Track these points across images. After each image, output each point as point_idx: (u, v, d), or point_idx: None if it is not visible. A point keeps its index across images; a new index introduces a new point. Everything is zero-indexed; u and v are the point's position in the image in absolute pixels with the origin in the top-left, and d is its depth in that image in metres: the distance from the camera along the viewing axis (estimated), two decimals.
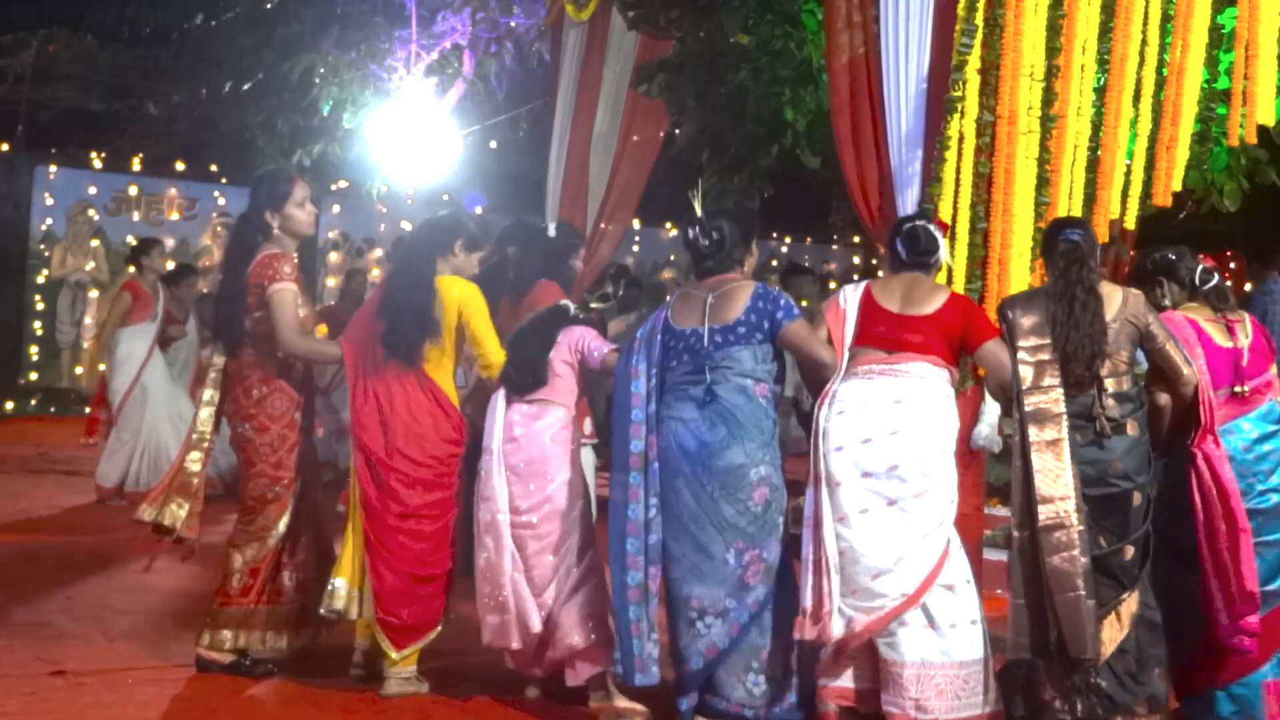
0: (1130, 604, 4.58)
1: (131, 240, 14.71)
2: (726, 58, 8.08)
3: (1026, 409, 4.59)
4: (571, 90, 9.64)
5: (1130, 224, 6.43)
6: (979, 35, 5.96)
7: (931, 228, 5.01)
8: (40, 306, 14.97)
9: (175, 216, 15.36)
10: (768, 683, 4.65)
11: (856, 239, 16.09)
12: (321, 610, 5.18)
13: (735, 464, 4.64)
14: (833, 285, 17.05)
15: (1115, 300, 4.74)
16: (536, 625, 4.90)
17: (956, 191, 5.85)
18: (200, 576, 6.35)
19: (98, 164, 14.97)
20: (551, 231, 6.80)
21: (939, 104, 5.95)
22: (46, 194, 14.79)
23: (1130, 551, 4.60)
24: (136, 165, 15.10)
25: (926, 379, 4.66)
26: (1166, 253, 5.24)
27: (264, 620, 5.30)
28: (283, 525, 5.33)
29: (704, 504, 4.66)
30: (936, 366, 4.69)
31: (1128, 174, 6.42)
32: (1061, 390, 4.60)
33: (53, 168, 14.81)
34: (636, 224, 16.79)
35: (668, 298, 5.17)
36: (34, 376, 14.96)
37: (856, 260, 17.20)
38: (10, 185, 14.77)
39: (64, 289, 15.06)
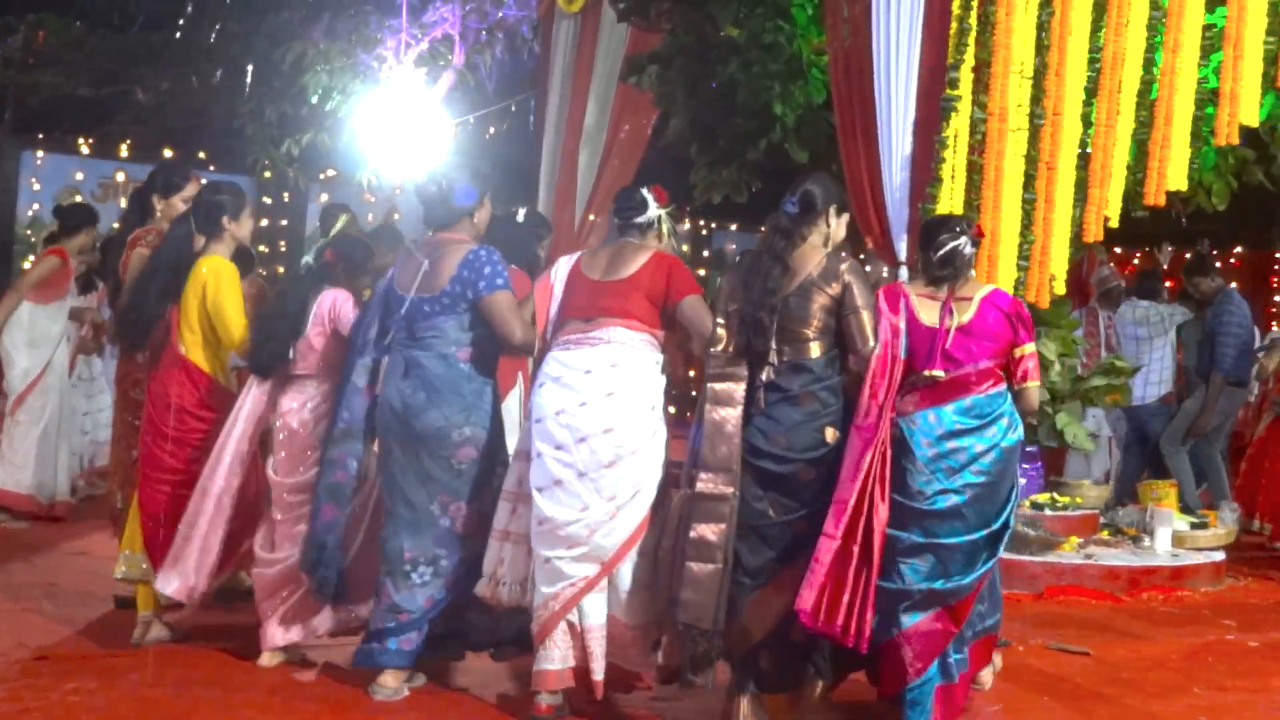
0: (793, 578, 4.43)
1: (117, 226, 14.71)
2: (717, 51, 8.09)
3: (711, 371, 4.55)
4: (562, 82, 9.65)
5: (1115, 221, 6.43)
6: (972, 34, 5.98)
7: (645, 192, 4.96)
8: None
9: None
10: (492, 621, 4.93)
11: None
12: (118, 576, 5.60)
13: (435, 425, 4.82)
14: None
15: (806, 266, 4.57)
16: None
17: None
18: None
19: (85, 150, 14.90)
20: (520, 217, 6.73)
21: (929, 98, 5.97)
22: (33, 179, 14.71)
23: (803, 526, 4.46)
24: (124, 152, 15.03)
25: (624, 344, 4.68)
26: (931, 218, 4.99)
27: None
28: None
29: (409, 458, 4.86)
30: (634, 330, 4.70)
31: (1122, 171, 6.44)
32: (741, 354, 4.52)
33: (40, 153, 14.72)
34: None
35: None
36: None
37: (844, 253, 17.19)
38: None
39: None
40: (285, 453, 5.20)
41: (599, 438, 4.56)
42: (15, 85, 14.70)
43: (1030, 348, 4.66)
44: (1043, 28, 6.12)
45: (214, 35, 14.76)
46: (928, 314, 4.61)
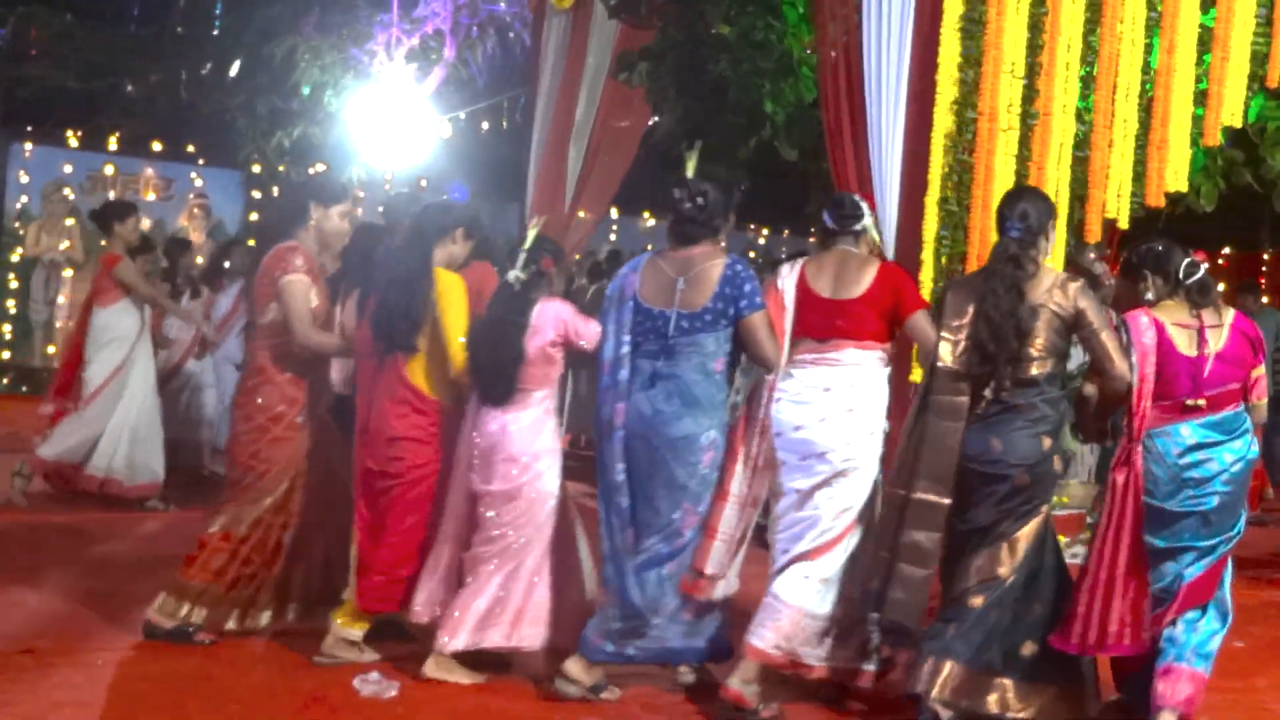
0: (1006, 581, 4.74)
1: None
2: (707, 48, 8.09)
3: (936, 384, 4.75)
4: (552, 78, 9.65)
5: (1124, 224, 6.43)
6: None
7: (856, 196, 5.19)
8: (14, 285, 14.88)
9: (151, 197, 15.26)
10: (688, 625, 4.96)
11: None
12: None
13: (687, 433, 4.87)
14: None
15: (1040, 286, 4.76)
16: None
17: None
18: (169, 555, 6.29)
19: (74, 143, 14.88)
20: None
21: (919, 99, 5.97)
22: (22, 172, 14.69)
23: (1012, 530, 4.74)
24: (113, 145, 15.01)
25: (857, 364, 4.90)
26: (1153, 245, 5.08)
27: (221, 598, 5.37)
28: (253, 513, 5.41)
29: (656, 464, 4.90)
30: (866, 350, 4.90)
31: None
32: (968, 373, 4.72)
33: (28, 146, 14.71)
34: (615, 213, 16.76)
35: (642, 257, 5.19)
36: (6, 355, 14.86)
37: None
38: None
39: (38, 267, 14.94)
40: (488, 468, 5.04)
41: (837, 451, 4.83)
42: (4, 78, 14.70)
43: (1261, 369, 4.87)
44: (1035, 27, 6.11)
45: (204, 29, 14.76)
46: (1183, 342, 4.78)
